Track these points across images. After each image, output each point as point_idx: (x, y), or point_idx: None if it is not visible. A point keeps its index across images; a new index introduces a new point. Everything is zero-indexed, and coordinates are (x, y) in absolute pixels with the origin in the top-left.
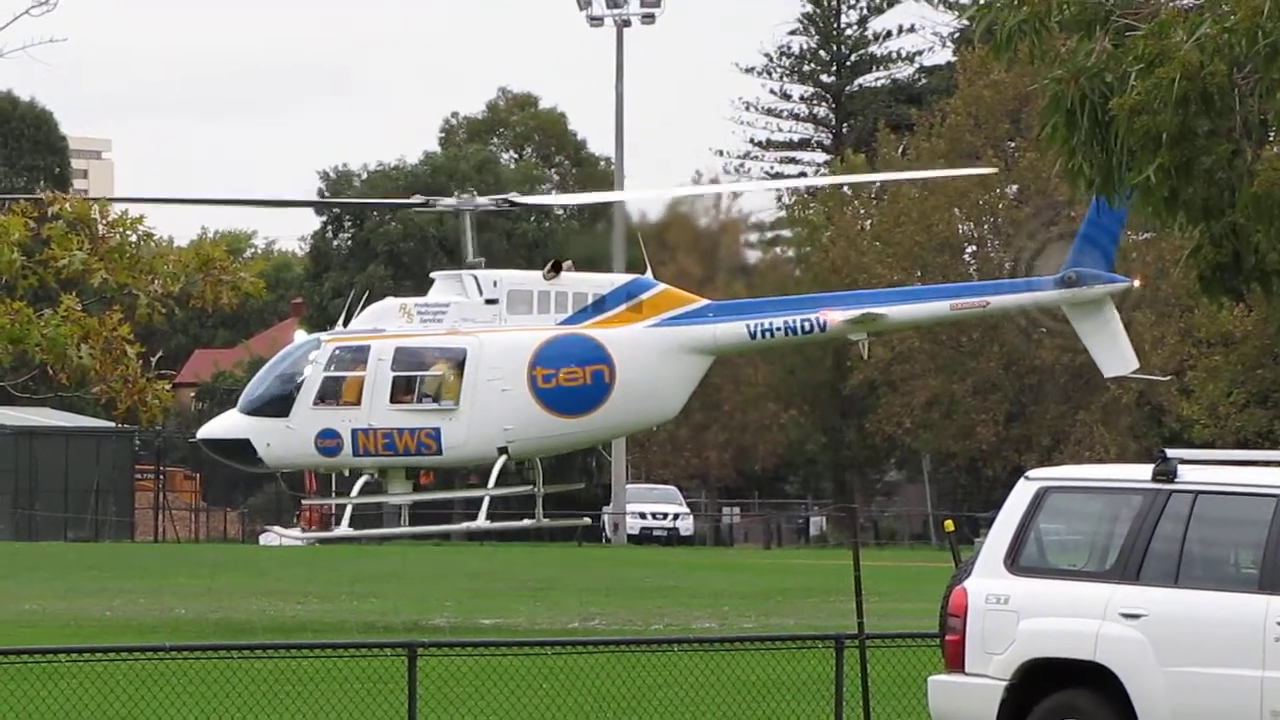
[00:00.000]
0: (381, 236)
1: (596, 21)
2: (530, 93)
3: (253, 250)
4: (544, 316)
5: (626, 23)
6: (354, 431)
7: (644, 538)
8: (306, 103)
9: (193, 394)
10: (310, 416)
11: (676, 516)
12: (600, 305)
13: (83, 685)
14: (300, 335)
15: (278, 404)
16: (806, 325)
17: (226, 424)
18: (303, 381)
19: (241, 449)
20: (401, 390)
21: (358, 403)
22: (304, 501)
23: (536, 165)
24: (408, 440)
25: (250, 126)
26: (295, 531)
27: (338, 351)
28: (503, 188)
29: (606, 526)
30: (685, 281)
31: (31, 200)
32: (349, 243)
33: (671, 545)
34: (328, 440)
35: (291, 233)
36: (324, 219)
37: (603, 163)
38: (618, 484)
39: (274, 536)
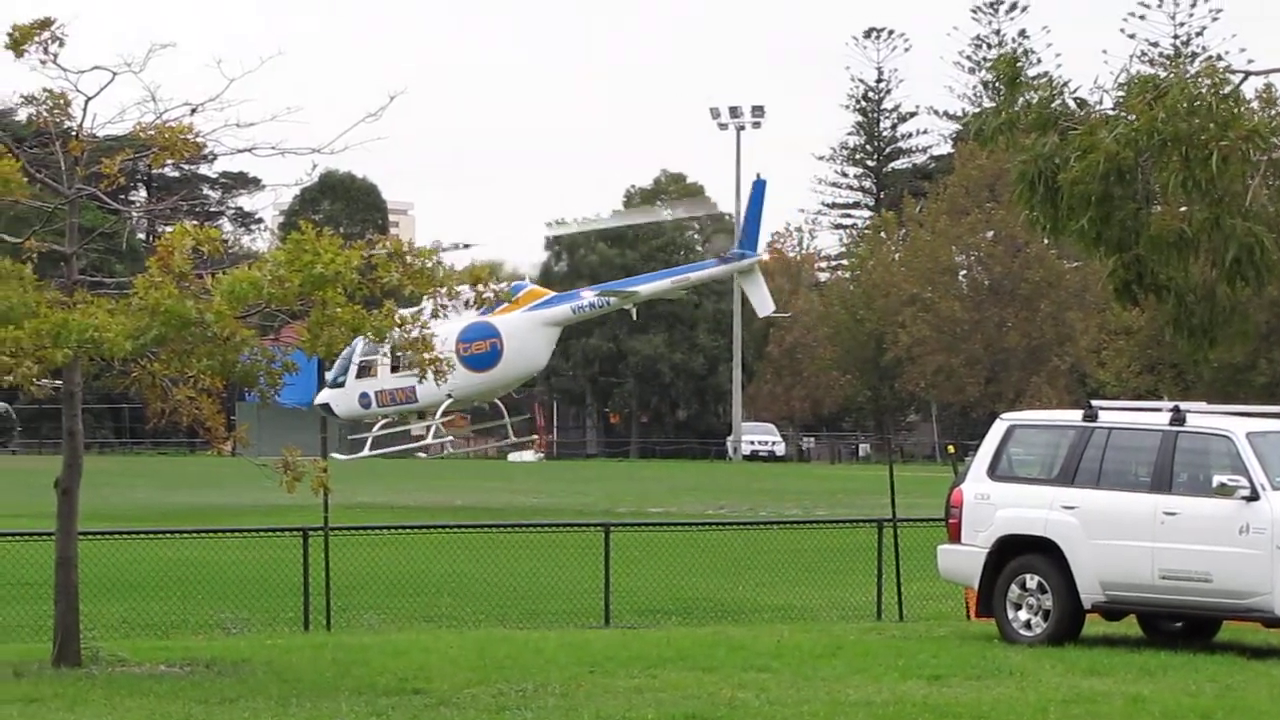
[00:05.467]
0: (586, 265)
1: (724, 126)
2: (681, 172)
3: (504, 272)
4: (469, 311)
5: (742, 126)
6: (376, 392)
7: (753, 457)
8: (532, 171)
9: None
10: (354, 385)
11: (774, 443)
12: (498, 303)
13: (400, 548)
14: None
15: (339, 380)
16: (598, 302)
17: (323, 395)
18: (348, 366)
19: (327, 408)
20: (394, 367)
21: (375, 375)
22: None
23: (685, 220)
24: (399, 395)
25: (498, 189)
26: (529, 453)
27: (364, 346)
28: (663, 233)
29: (729, 449)
30: (780, 294)
31: (365, 240)
32: (565, 268)
33: (770, 462)
34: (363, 400)
35: (528, 259)
36: (549, 252)
37: (727, 217)
38: (736, 421)
39: (517, 455)
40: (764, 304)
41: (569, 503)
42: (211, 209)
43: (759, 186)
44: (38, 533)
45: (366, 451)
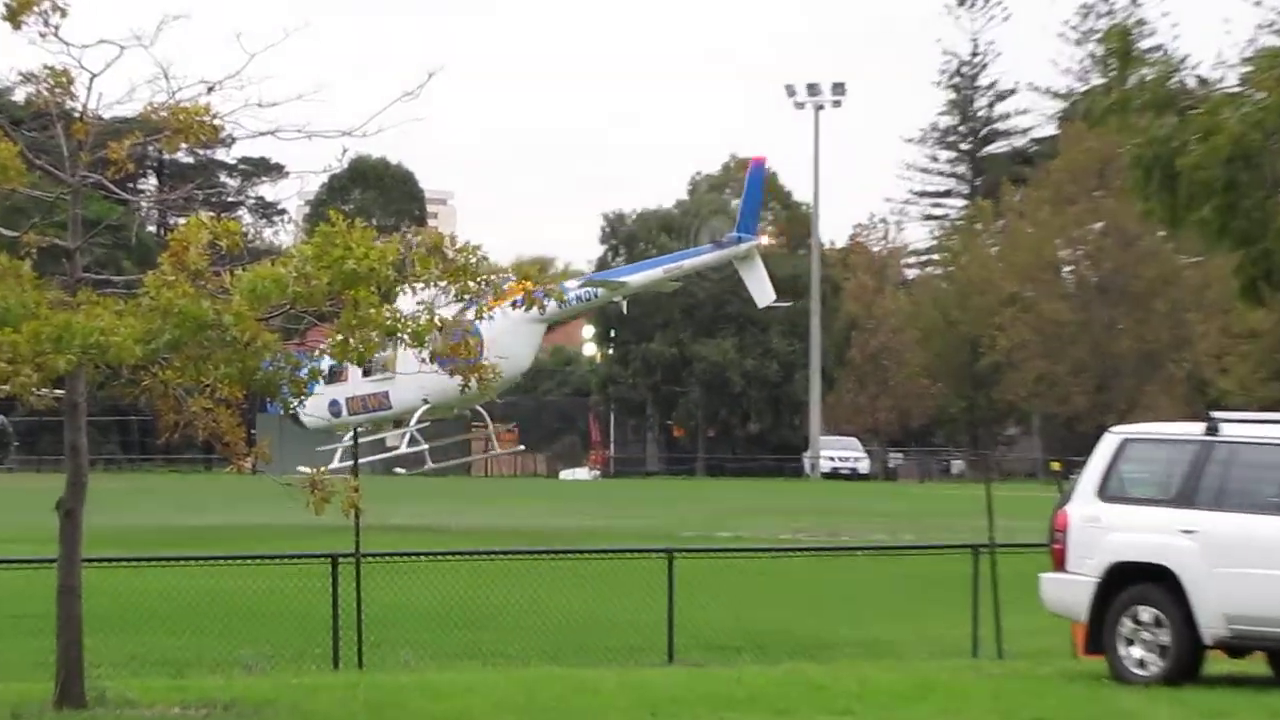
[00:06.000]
0: (647, 259)
1: (800, 105)
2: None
3: (554, 269)
4: (515, 312)
5: (821, 106)
6: (346, 399)
7: (833, 475)
8: (590, 161)
9: None
10: (323, 391)
11: (856, 459)
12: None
13: (437, 577)
14: None
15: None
16: (584, 295)
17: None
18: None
19: (294, 417)
20: (366, 371)
21: (346, 380)
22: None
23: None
24: (372, 402)
25: (547, 178)
26: (584, 470)
27: None
28: (733, 226)
29: (806, 466)
30: (863, 293)
31: (401, 233)
32: (624, 263)
33: (852, 480)
34: (333, 407)
35: (583, 256)
36: (605, 247)
37: (803, 206)
38: (814, 435)
39: (570, 472)
40: (764, 293)
41: (628, 526)
42: (230, 199)
43: (757, 170)
44: (37, 560)
45: (335, 464)
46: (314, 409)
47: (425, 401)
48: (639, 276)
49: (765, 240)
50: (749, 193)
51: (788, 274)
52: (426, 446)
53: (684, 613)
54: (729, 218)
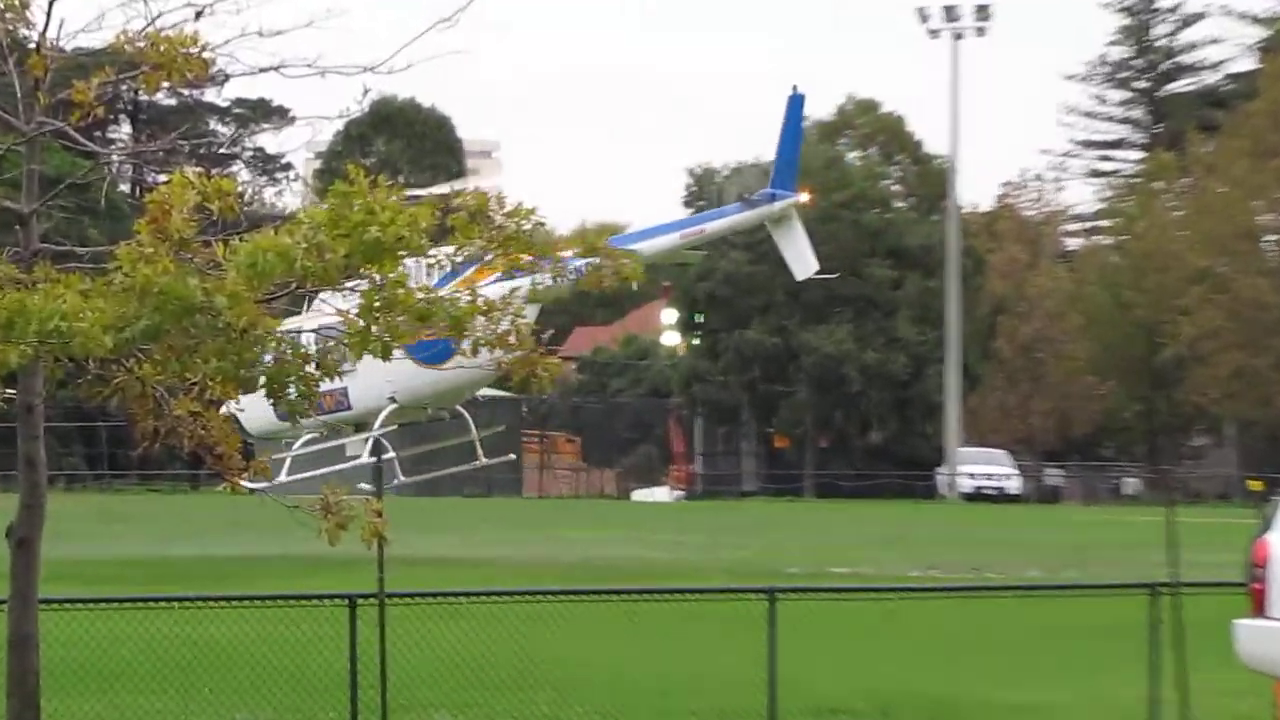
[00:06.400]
0: None
1: (934, 33)
2: (873, 98)
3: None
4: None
5: (960, 34)
6: None
7: (975, 496)
8: (674, 107)
9: (574, 366)
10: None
11: (1005, 476)
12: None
13: (479, 623)
14: None
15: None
16: (583, 268)
17: (229, 404)
18: None
19: (234, 421)
20: (316, 365)
21: None
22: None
23: (880, 163)
24: (328, 401)
25: (621, 128)
26: (663, 490)
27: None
28: (850, 183)
29: (942, 485)
30: (1013, 267)
31: (438, 195)
32: None
33: (1000, 503)
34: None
35: (660, 220)
36: (690, 211)
37: (938, 160)
38: (951, 447)
39: (645, 493)
40: (804, 263)
41: (718, 559)
42: (223, 150)
43: (795, 103)
44: None
45: (283, 477)
46: (254, 412)
47: (392, 400)
48: (650, 244)
49: (805, 198)
50: (785, 136)
51: (918, 244)
52: (394, 455)
53: (788, 667)
54: (841, 172)
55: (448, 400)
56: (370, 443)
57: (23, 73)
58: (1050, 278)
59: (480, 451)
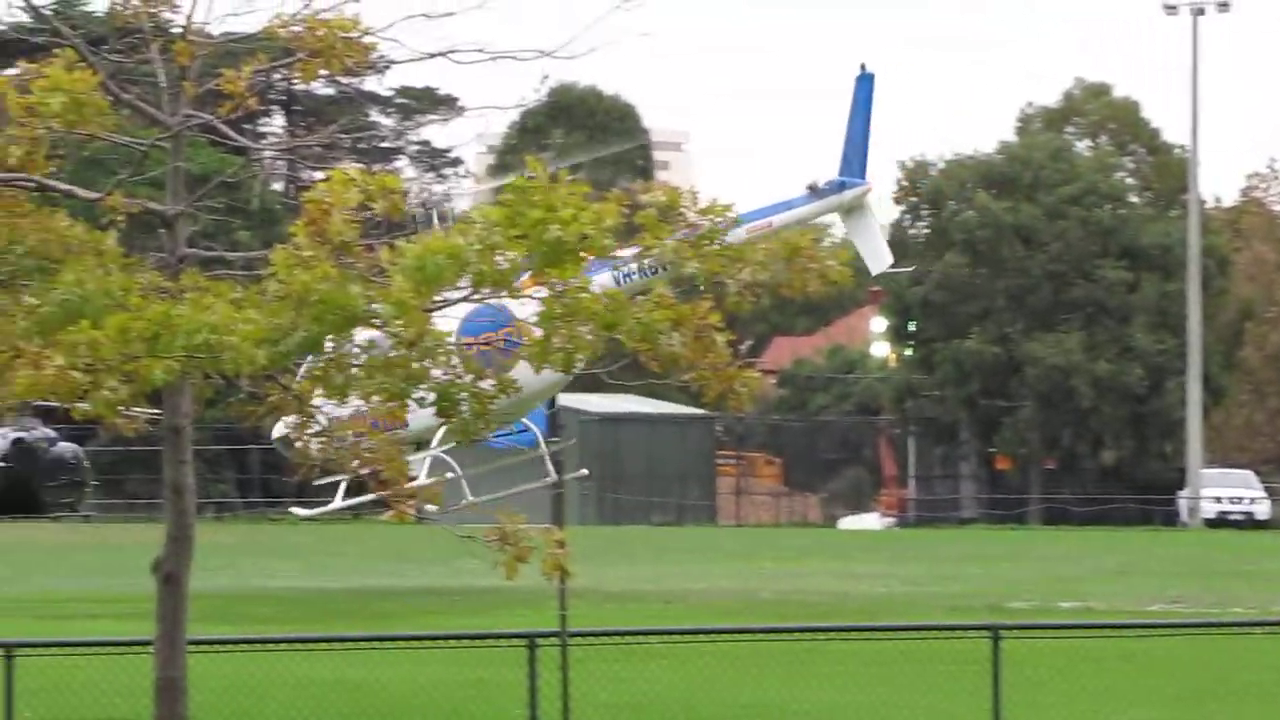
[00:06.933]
0: (958, 225)
1: (1171, 10)
2: (1104, 82)
3: (830, 240)
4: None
5: (1200, 10)
6: (350, 419)
7: (1219, 521)
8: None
9: (773, 380)
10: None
11: (1253, 500)
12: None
13: (671, 664)
14: None
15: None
16: (650, 269)
17: (279, 426)
18: None
19: (285, 442)
20: None
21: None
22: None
23: (1112, 154)
24: (382, 422)
25: (816, 115)
26: (873, 516)
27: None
28: (1078, 176)
29: (1183, 510)
30: (1261, 268)
31: (623, 190)
32: (926, 231)
33: (1247, 529)
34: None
35: None
36: (902, 208)
37: (1177, 150)
38: (1193, 467)
39: (854, 520)
40: (879, 257)
41: (936, 593)
42: (385, 144)
43: (865, 84)
44: (125, 641)
45: (338, 503)
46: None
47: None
48: None
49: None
50: (855, 119)
51: (1155, 243)
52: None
53: (1015, 711)
54: (1068, 164)
55: (512, 414)
56: (428, 462)
57: (167, 61)
58: None
59: (551, 467)
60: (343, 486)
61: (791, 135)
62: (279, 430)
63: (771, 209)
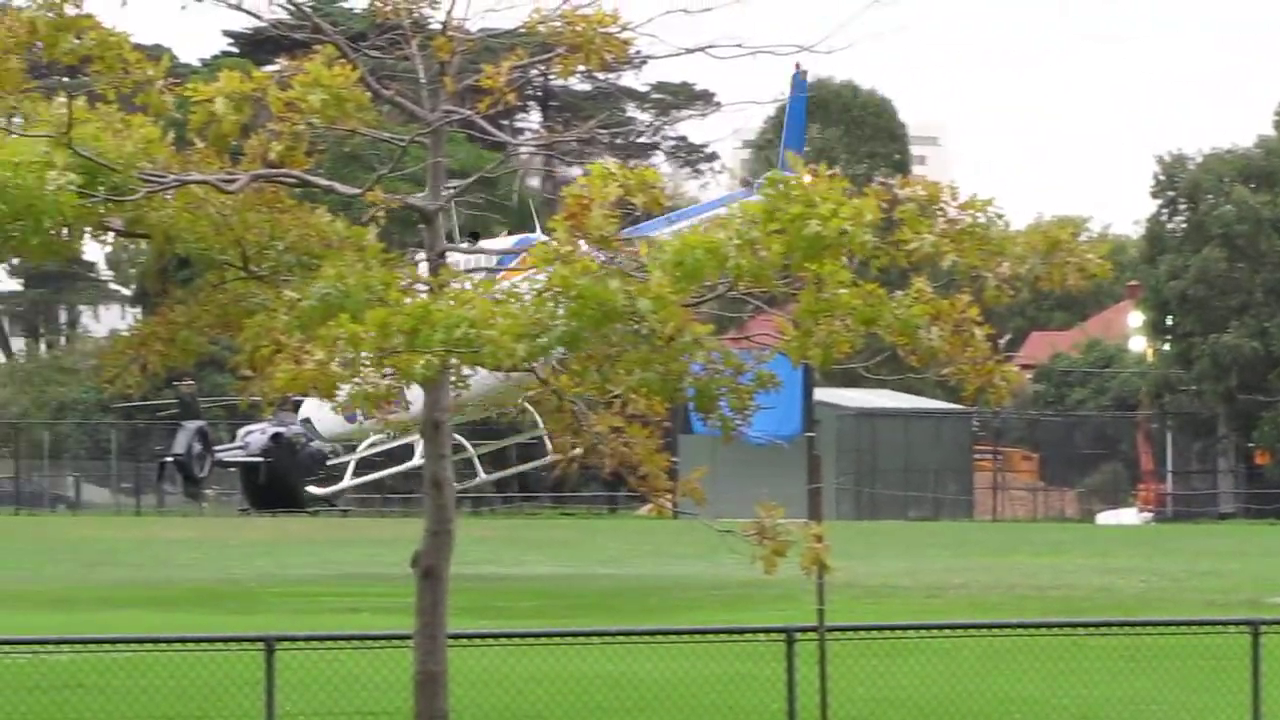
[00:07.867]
0: (1216, 220)
1: None
2: None
3: (1087, 234)
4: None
5: None
6: None
7: None
8: (1134, 87)
9: (1030, 375)
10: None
11: None
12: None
13: (929, 659)
14: None
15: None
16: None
17: (304, 407)
18: None
19: (308, 423)
20: None
21: None
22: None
23: None
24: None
25: (1073, 109)
26: (1130, 511)
27: None
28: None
29: None
30: None
31: (882, 184)
32: (1184, 225)
33: None
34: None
35: (1126, 215)
36: (1160, 202)
37: None
38: None
39: (1111, 515)
40: None
41: (1194, 588)
42: (642, 139)
43: (797, 83)
44: (385, 635)
45: (347, 481)
46: (326, 414)
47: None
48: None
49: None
50: (792, 117)
51: None
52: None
53: (1275, 707)
54: None
55: (505, 400)
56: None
57: (426, 57)
58: None
59: (550, 447)
60: (351, 465)
61: (1042, 133)
62: (304, 412)
63: (702, 207)
